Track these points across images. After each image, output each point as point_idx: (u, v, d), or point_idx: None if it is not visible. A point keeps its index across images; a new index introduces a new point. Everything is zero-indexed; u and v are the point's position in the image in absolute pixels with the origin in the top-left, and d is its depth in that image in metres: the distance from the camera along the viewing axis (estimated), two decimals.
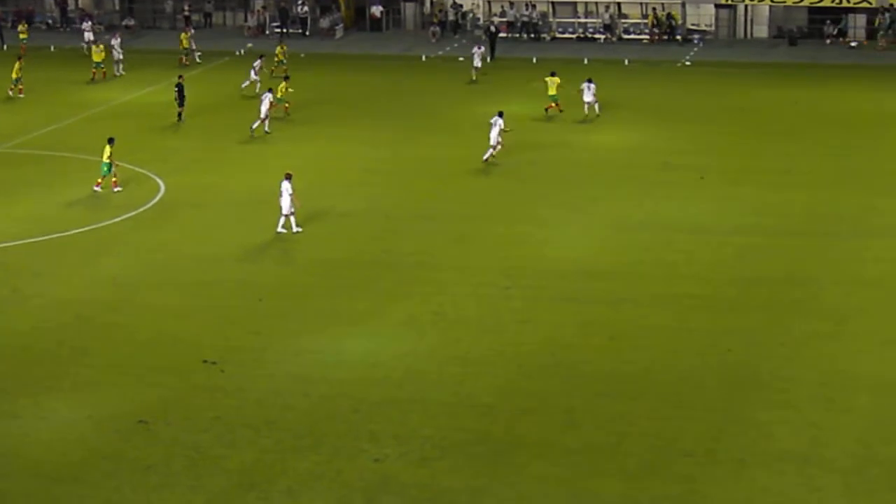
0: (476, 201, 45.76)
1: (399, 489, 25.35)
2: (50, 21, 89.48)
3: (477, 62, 69.02)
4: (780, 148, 53.72)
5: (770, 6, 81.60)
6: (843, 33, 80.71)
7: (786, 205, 45.02)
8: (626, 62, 73.52)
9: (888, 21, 79.33)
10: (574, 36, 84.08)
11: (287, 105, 59.50)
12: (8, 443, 27.45)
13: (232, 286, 37.17)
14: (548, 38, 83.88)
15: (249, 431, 27.75)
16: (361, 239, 41.48)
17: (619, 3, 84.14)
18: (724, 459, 26.40)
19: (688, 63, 74.88)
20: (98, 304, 35.86)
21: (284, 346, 32.60)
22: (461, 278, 37.61)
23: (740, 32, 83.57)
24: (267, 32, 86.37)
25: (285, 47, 70.48)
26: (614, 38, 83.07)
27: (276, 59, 69.96)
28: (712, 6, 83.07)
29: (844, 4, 79.13)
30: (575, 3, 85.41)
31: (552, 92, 59.77)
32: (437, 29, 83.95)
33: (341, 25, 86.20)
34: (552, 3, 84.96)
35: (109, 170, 46.44)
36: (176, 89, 58.71)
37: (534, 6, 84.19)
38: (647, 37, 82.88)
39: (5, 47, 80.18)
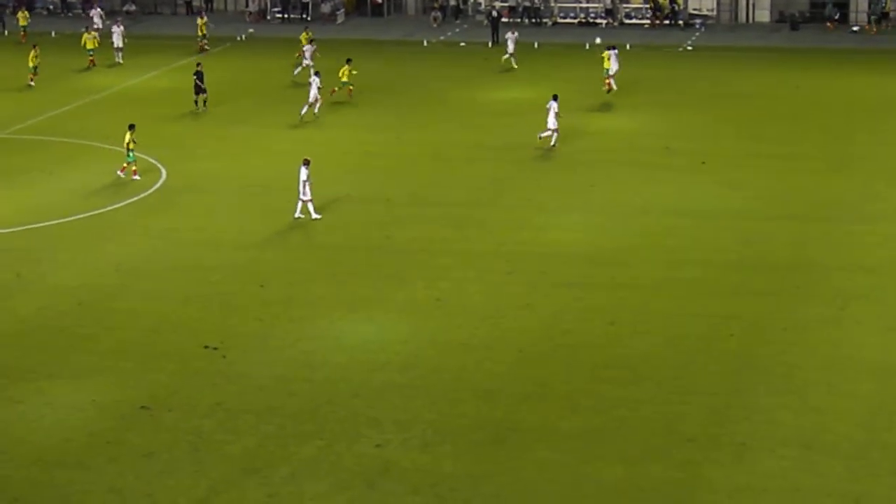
0: (477, 187, 45.72)
1: (400, 474, 25.36)
2: (51, 7, 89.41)
3: (511, 47, 67.84)
4: (781, 133, 53.65)
5: None
6: (828, 18, 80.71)
7: (788, 189, 44.97)
8: (628, 47, 73.35)
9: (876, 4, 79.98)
10: (576, 21, 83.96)
11: (351, 88, 59.52)
12: (10, 428, 27.47)
13: (234, 272, 37.17)
14: (549, 22, 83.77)
15: (251, 417, 27.77)
16: (363, 224, 41.46)
17: None
18: (726, 444, 26.40)
19: (689, 48, 74.76)
20: (100, 289, 35.86)
21: (286, 331, 32.61)
22: (462, 264, 37.60)
23: (742, 17, 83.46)
24: (268, 17, 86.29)
25: (311, 34, 69.98)
26: (616, 23, 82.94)
27: (301, 45, 69.37)
28: None
29: None
30: None
31: (607, 66, 59.62)
32: (439, 14, 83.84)
33: (342, 10, 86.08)
34: None
35: (133, 156, 46.29)
36: (195, 76, 58.21)
37: None
38: (649, 21, 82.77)
39: (6, 33, 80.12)
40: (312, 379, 29.73)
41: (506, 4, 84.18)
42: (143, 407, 28.29)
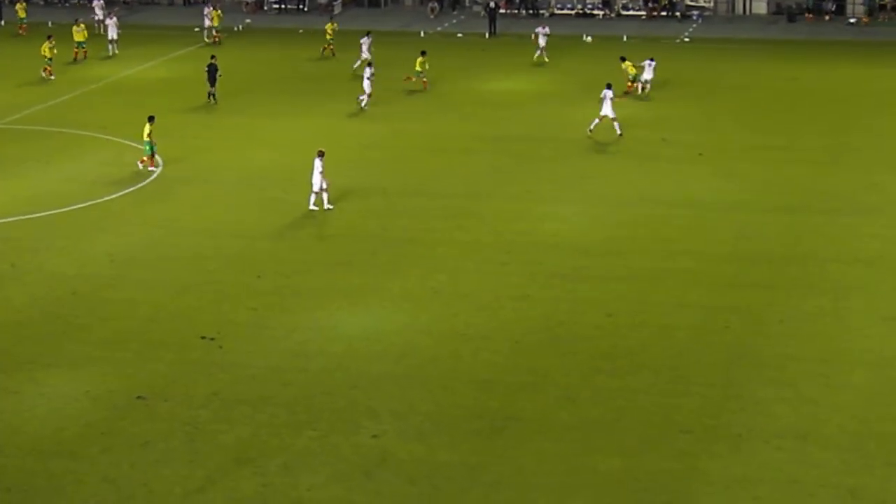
0: (474, 177, 45.69)
1: (397, 465, 25.34)
2: None
3: (542, 41, 67.53)
4: (778, 124, 53.65)
5: None
6: (817, 10, 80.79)
7: (784, 181, 44.97)
8: (625, 38, 73.33)
9: None
10: (573, 12, 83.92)
11: (425, 80, 59.85)
12: (5, 418, 27.42)
13: (230, 262, 37.13)
14: (546, 13, 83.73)
15: (247, 407, 27.73)
16: (359, 214, 41.43)
17: None
18: (722, 436, 26.39)
19: (686, 39, 74.72)
20: (96, 279, 35.81)
21: (282, 321, 32.57)
22: (458, 254, 37.57)
23: (739, 9, 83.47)
24: (265, 8, 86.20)
25: (335, 25, 69.61)
26: (613, 14, 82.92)
27: (327, 36, 69.17)
28: None
29: None
30: None
31: (632, 72, 59.18)
32: (436, 5, 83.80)
33: (340, 1, 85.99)
34: None
35: (152, 148, 46.15)
36: (207, 69, 57.88)
37: None
38: (646, 13, 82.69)
39: (3, 23, 79.98)
40: (308, 369, 29.70)
41: None
42: (138, 397, 28.25)
